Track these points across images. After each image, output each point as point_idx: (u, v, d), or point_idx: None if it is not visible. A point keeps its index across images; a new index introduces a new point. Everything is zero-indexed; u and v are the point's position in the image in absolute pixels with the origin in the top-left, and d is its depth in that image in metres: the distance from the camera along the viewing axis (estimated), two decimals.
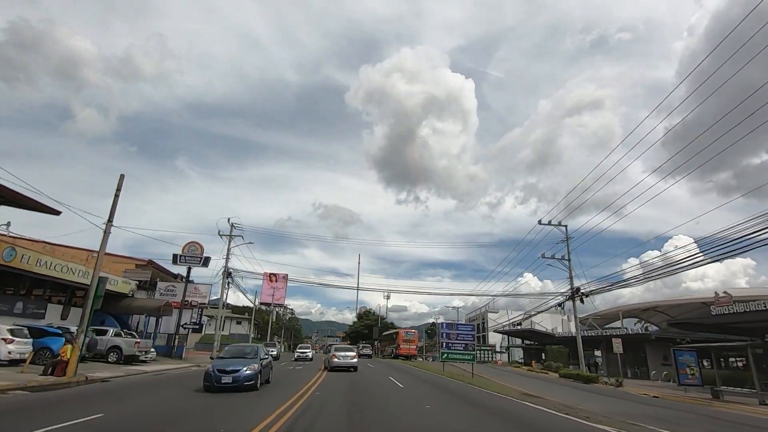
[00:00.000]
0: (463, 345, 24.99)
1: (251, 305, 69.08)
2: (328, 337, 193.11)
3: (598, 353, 55.18)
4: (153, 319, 29.94)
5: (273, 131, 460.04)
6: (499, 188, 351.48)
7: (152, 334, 27.42)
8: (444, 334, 25.50)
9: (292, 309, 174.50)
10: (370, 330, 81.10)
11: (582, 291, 29.28)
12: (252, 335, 69.26)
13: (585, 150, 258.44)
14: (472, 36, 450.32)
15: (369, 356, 49.91)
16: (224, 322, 60.53)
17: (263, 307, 75.60)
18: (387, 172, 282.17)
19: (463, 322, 35.31)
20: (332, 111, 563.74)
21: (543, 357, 56.38)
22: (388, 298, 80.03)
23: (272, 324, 70.47)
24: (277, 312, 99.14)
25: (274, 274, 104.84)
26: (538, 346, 56.37)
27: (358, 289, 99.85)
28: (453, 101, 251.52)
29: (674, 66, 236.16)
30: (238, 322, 60.54)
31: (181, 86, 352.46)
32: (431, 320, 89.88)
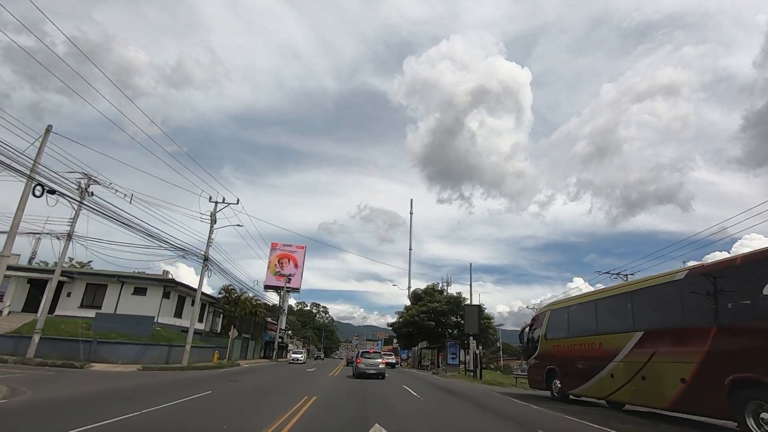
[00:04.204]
0: None
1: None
2: (368, 340, 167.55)
3: None
4: None
5: (313, 139, 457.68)
6: (549, 185, 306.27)
7: None
8: None
9: (325, 307, 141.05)
10: (438, 321, 44.32)
11: None
12: (206, 328, 34.98)
13: (650, 140, 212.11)
14: (512, 33, 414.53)
15: (393, 365, 38.78)
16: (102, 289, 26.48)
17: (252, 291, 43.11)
18: (430, 169, 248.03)
19: None
20: (370, 116, 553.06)
21: None
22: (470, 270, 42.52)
23: (235, 314, 35.96)
24: (282, 301, 65.09)
25: (288, 247, 70.25)
26: None
27: (410, 252, 63.70)
28: (507, 93, 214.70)
29: (757, 43, 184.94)
30: (141, 291, 25.91)
31: (226, 98, 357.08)
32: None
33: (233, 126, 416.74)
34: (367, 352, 23.00)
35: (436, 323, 44.23)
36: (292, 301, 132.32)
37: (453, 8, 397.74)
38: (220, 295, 37.50)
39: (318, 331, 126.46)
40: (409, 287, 55.43)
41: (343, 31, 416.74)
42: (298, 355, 39.47)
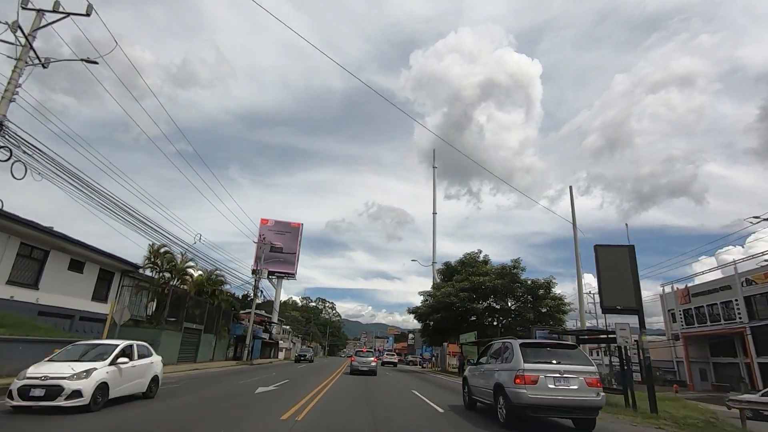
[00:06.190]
0: None
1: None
2: (377, 338, 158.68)
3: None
4: None
5: (319, 138, 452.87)
6: (559, 179, 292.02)
7: None
8: None
9: (332, 303, 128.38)
10: (479, 304, 29.98)
11: None
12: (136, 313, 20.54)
13: (663, 133, 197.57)
14: (516, 29, 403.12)
15: (394, 365, 42.48)
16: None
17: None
18: (437, 165, 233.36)
19: None
20: (376, 114, 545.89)
21: None
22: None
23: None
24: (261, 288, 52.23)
25: (281, 224, 57.23)
26: None
27: (434, 216, 49.16)
28: (516, 87, 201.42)
29: None
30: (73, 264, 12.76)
31: (232, 98, 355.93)
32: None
33: (239, 126, 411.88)
34: (361, 351, 25.00)
35: (476, 307, 30.20)
36: (296, 298, 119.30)
37: (457, 4, 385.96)
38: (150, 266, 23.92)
39: (323, 328, 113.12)
40: (434, 262, 41.64)
41: (347, 29, 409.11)
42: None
